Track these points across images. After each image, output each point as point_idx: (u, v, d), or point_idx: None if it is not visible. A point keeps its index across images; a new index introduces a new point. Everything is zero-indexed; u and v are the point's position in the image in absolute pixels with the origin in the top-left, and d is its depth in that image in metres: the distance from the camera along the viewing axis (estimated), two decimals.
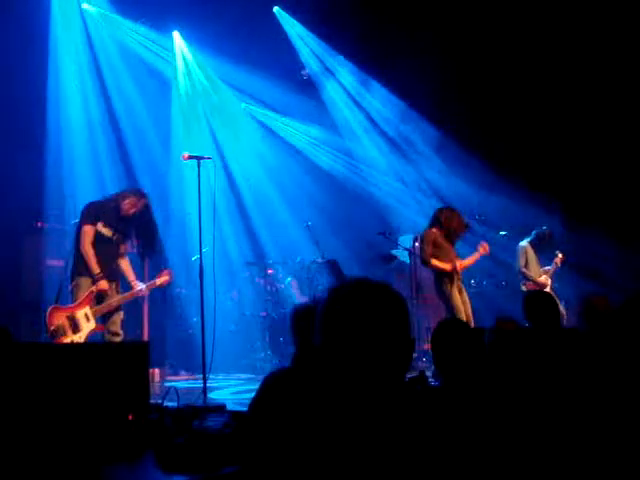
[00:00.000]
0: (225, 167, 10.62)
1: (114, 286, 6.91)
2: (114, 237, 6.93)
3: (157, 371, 8.35)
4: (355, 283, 1.94)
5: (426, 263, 7.78)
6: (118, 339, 6.80)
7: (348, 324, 1.84)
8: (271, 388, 3.38)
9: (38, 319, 6.78)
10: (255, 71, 10.47)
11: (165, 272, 7.28)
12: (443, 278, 7.73)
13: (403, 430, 1.88)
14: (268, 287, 9.78)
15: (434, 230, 7.83)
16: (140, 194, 7.08)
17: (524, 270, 8.83)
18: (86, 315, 6.64)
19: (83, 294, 6.68)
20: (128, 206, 6.91)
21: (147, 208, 7.03)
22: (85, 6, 9.98)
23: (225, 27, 9.78)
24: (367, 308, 1.85)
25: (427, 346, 9.53)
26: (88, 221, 6.83)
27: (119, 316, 6.91)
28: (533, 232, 9.08)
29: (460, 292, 7.84)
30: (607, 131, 10.23)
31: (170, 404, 5.51)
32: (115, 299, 6.84)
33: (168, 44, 10.74)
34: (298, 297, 9.77)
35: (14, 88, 8.46)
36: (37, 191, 8.69)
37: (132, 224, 7.00)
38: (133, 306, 8.22)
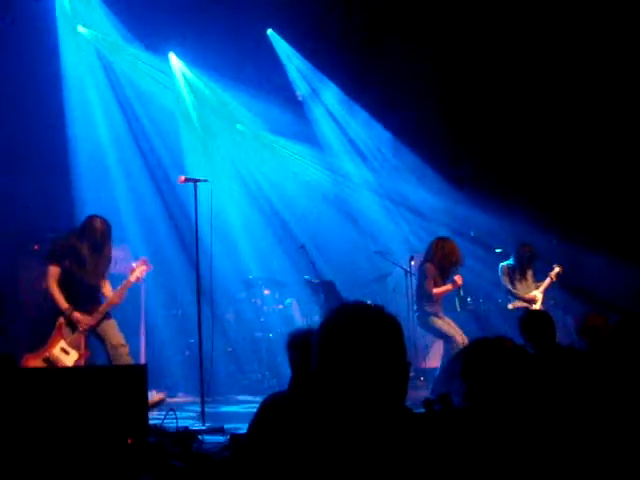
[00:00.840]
0: (223, 187, 10.64)
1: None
2: (88, 267, 6.82)
3: (155, 393, 8.32)
4: (351, 308, 1.96)
5: (430, 295, 7.80)
6: (124, 349, 6.72)
7: (344, 349, 1.86)
8: (268, 412, 3.39)
9: (37, 343, 6.72)
10: (250, 90, 10.55)
11: (138, 263, 7.03)
12: (424, 316, 7.85)
13: (402, 454, 1.90)
14: (265, 307, 9.79)
15: (430, 264, 7.91)
16: (101, 218, 6.99)
17: (509, 288, 8.83)
18: (63, 350, 6.52)
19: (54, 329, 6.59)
20: (99, 233, 6.87)
21: (109, 228, 6.97)
22: (80, 29, 10.02)
23: (219, 47, 9.86)
24: (363, 333, 1.87)
25: (424, 364, 9.53)
26: (53, 260, 6.78)
27: (110, 326, 6.78)
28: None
29: (442, 318, 7.95)
30: (602, 146, 10.26)
31: (169, 426, 5.54)
32: (90, 320, 6.67)
33: (164, 65, 10.79)
34: (298, 318, 9.77)
35: (19, 107, 8.58)
36: (35, 214, 8.70)
37: (100, 248, 6.93)
38: (130, 328, 8.22)
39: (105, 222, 6.92)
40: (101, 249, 6.90)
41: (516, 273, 8.84)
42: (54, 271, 6.71)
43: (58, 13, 9.66)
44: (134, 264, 7.01)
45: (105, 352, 6.74)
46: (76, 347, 6.57)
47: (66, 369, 5.91)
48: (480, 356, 3.18)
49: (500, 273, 8.89)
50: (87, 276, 6.79)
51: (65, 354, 6.50)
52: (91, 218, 6.93)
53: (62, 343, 6.52)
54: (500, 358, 3.16)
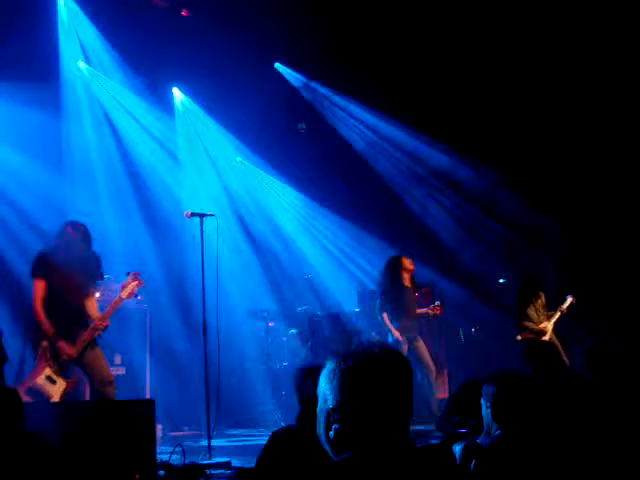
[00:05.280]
0: (229, 220, 10.70)
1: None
2: (69, 283, 6.18)
3: (160, 427, 8.26)
4: (371, 352, 2.06)
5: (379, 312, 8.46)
6: (112, 390, 6.08)
7: (366, 389, 1.98)
8: (278, 447, 3.39)
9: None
10: (252, 125, 10.66)
11: (129, 279, 6.46)
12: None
13: None
14: (269, 340, 9.76)
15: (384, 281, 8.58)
16: (75, 223, 6.39)
17: (519, 319, 8.68)
18: (49, 378, 5.92)
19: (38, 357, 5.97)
20: (75, 240, 6.25)
21: (86, 234, 6.37)
22: (81, 64, 10.08)
23: (222, 82, 9.98)
24: (384, 376, 2.00)
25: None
26: (38, 274, 6.16)
27: (97, 359, 6.14)
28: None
29: (412, 342, 8.27)
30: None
31: (176, 461, 5.50)
32: (79, 342, 6.05)
33: (164, 101, 10.89)
34: (301, 349, 9.73)
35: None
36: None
37: (79, 258, 6.28)
38: (135, 361, 8.21)
39: (79, 227, 6.34)
40: (80, 260, 6.27)
41: (528, 302, 8.77)
42: (40, 288, 6.13)
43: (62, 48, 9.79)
44: (126, 281, 6.43)
45: (91, 388, 6.17)
46: (63, 375, 5.97)
47: (74, 404, 5.84)
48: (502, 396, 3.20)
49: (515, 303, 8.84)
50: (69, 294, 6.18)
51: (51, 383, 5.90)
52: (65, 225, 6.34)
53: (47, 371, 5.91)
54: (533, 394, 3.18)
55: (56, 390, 5.90)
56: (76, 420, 4.66)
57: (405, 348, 8.17)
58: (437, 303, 8.68)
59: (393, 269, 8.53)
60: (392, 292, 8.43)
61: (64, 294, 6.16)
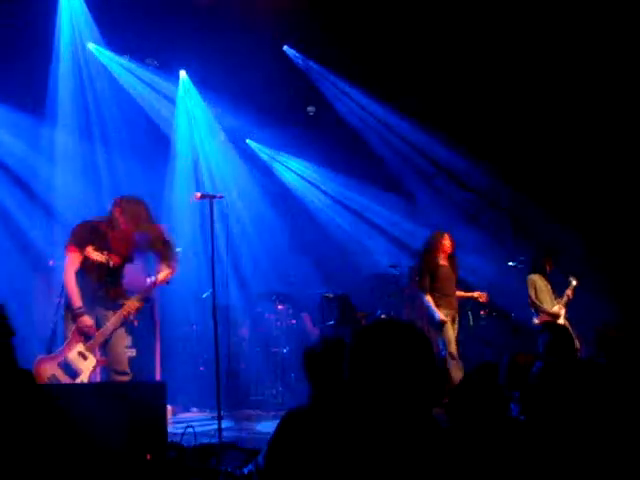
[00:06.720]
0: (234, 204, 10.68)
1: (110, 315, 5.96)
2: (110, 262, 5.99)
3: (170, 408, 8.29)
4: (384, 323, 2.03)
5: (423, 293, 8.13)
6: (126, 378, 5.97)
7: (378, 362, 1.95)
8: (291, 427, 3.38)
9: None
10: (261, 108, 10.63)
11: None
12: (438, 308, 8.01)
13: (430, 466, 1.93)
14: (279, 323, 9.78)
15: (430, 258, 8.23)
16: (138, 200, 6.11)
17: (535, 301, 8.68)
18: (81, 354, 5.79)
19: (70, 331, 5.83)
20: (129, 221, 5.96)
21: (149, 213, 6.09)
22: (90, 45, 10.01)
23: (231, 64, 9.92)
24: (396, 347, 1.95)
25: None
26: (74, 244, 5.90)
27: (119, 342, 5.99)
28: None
29: (452, 322, 8.09)
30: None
31: (186, 442, 5.53)
32: (109, 323, 5.89)
33: (172, 85, 10.85)
34: (310, 332, 9.75)
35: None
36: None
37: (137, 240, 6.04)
38: (145, 343, 8.24)
39: (146, 206, 6.08)
40: (134, 242, 6.04)
41: (545, 283, 8.74)
42: (73, 257, 5.87)
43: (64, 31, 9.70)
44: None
45: (105, 371, 6.08)
46: (94, 352, 5.83)
47: (86, 385, 5.84)
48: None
49: (528, 284, 8.75)
50: (108, 268, 5.96)
51: (83, 359, 5.78)
52: (133, 201, 6.02)
53: (80, 347, 5.79)
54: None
55: (86, 366, 5.79)
56: (88, 401, 4.66)
57: (447, 324, 8.02)
58: (484, 292, 8.58)
59: (429, 247, 8.34)
60: (427, 270, 8.24)
61: (99, 272, 5.95)
